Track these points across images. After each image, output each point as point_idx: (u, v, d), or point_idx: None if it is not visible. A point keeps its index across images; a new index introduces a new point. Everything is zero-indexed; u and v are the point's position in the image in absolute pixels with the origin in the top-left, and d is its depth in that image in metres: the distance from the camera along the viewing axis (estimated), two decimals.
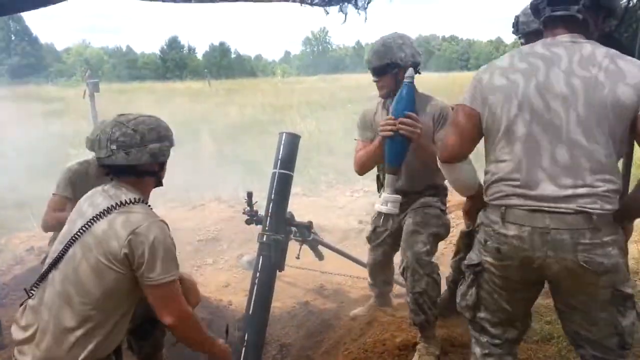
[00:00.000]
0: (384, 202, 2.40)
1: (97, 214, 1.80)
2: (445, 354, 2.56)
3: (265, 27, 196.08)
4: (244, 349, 2.75)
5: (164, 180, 2.07)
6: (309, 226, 3.40)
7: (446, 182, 2.91)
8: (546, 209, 1.58)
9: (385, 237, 2.93)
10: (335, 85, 23.55)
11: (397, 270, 2.82)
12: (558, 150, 1.57)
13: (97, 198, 1.90)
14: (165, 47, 71.21)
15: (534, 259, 1.61)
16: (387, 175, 2.43)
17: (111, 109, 8.04)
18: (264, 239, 2.95)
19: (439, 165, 1.92)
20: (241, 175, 7.19)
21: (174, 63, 67.97)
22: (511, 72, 1.64)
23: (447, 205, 4.92)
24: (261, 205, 3.37)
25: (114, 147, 1.83)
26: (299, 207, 5.02)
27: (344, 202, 6.12)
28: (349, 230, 5.01)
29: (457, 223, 4.33)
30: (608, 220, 1.56)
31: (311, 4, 2.73)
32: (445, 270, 3.16)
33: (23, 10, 2.84)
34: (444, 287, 3.15)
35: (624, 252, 1.64)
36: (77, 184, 2.78)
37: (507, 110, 1.62)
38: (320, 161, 8.25)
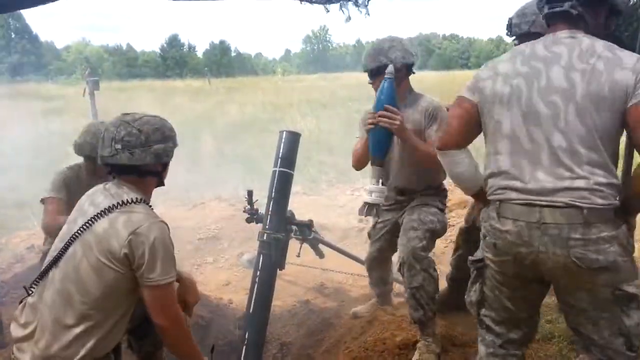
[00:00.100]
0: (369, 192, 2.48)
1: (98, 213, 1.80)
2: (447, 352, 2.56)
3: (266, 25, 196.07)
4: (244, 347, 2.76)
5: (164, 180, 2.07)
6: (309, 225, 3.40)
7: (446, 183, 2.94)
8: (538, 202, 1.58)
9: (383, 233, 2.94)
10: (336, 84, 23.50)
11: (396, 269, 2.82)
12: (553, 143, 1.57)
13: (98, 197, 1.89)
14: (165, 45, 71.18)
15: (528, 255, 1.61)
16: (372, 167, 2.50)
17: (111, 107, 8.06)
18: (265, 238, 2.95)
19: (439, 157, 1.93)
20: (241, 173, 7.19)
21: (174, 61, 67.92)
22: (513, 77, 1.66)
23: (448, 205, 4.95)
24: (262, 203, 3.37)
25: (118, 146, 1.83)
26: (300, 206, 5.01)
27: (344, 201, 6.11)
28: (349, 228, 5.01)
29: (458, 222, 4.33)
30: (602, 215, 1.54)
31: (311, 2, 2.73)
32: (446, 270, 3.18)
33: (23, 8, 2.83)
34: (443, 284, 3.18)
35: (628, 250, 1.60)
36: (70, 186, 2.78)
37: (509, 115, 1.65)
38: (320, 160, 8.25)
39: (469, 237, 2.93)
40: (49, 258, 1.87)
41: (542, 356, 2.49)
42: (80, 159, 2.95)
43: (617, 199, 1.57)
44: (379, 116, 2.40)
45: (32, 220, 5.20)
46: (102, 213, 1.79)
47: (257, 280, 2.89)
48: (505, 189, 1.66)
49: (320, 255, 3.80)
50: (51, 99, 19.67)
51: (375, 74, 2.66)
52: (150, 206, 1.92)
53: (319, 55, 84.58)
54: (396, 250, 2.77)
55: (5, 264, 4.20)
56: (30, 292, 1.86)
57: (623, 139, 1.78)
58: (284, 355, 3.20)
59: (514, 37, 2.45)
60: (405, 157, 2.68)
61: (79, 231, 1.80)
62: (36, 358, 1.72)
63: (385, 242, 2.95)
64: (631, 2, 2.78)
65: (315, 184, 7.09)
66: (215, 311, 3.26)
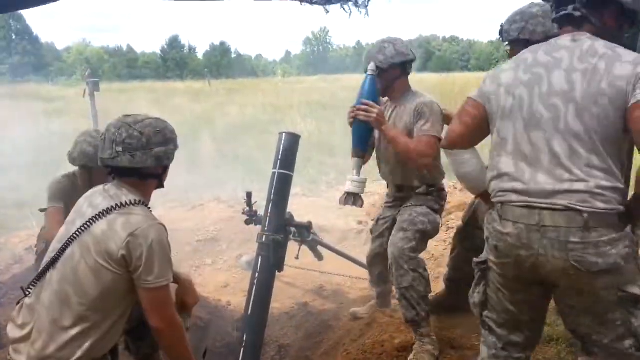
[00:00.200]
0: (349, 182, 2.61)
1: (96, 214, 1.80)
2: (445, 355, 2.56)
3: (266, 27, 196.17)
4: (242, 349, 2.75)
5: (164, 182, 2.06)
6: (308, 227, 3.40)
7: (444, 183, 2.94)
8: (537, 205, 1.57)
9: (384, 229, 2.97)
10: (336, 86, 23.51)
11: None
12: (554, 146, 1.57)
13: (96, 198, 1.89)
14: (165, 46, 71.27)
15: (527, 257, 1.61)
16: (352, 159, 2.63)
17: (111, 108, 8.06)
18: (263, 240, 2.94)
19: (447, 157, 1.94)
20: (241, 175, 7.19)
21: (174, 62, 67.99)
22: (516, 87, 1.67)
23: (447, 207, 4.95)
24: (261, 205, 3.37)
25: (119, 149, 1.82)
26: (299, 208, 5.02)
27: None
28: (348, 231, 5.01)
29: (458, 224, 4.32)
30: (604, 219, 1.52)
31: (311, 2, 2.73)
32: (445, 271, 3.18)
33: (24, 8, 2.83)
34: (441, 285, 3.18)
35: (632, 251, 1.56)
36: (67, 195, 2.79)
37: (512, 123, 1.67)
38: (320, 161, 8.25)
39: (465, 236, 2.95)
40: (46, 259, 1.87)
41: (540, 359, 2.48)
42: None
43: (622, 203, 1.55)
44: (357, 110, 2.53)
45: (32, 220, 5.20)
46: (101, 214, 1.79)
47: (255, 282, 2.89)
48: (506, 191, 1.66)
49: (319, 257, 3.80)
50: (51, 100, 19.69)
51: None
52: (149, 208, 1.92)
53: (319, 57, 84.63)
54: None
55: (4, 265, 4.20)
56: (28, 293, 1.86)
57: None
58: (282, 358, 3.19)
59: (506, 43, 2.48)
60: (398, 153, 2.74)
61: (77, 232, 1.79)
62: (32, 359, 1.72)
63: (386, 238, 2.96)
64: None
65: (315, 185, 7.09)
66: (214, 313, 3.25)
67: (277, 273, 2.98)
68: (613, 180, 1.54)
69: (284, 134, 3.13)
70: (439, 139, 2.53)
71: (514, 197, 1.63)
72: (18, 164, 7.21)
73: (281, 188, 3.05)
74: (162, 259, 1.78)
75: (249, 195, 3.47)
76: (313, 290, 3.80)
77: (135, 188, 1.91)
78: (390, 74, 2.75)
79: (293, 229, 3.29)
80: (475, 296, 1.87)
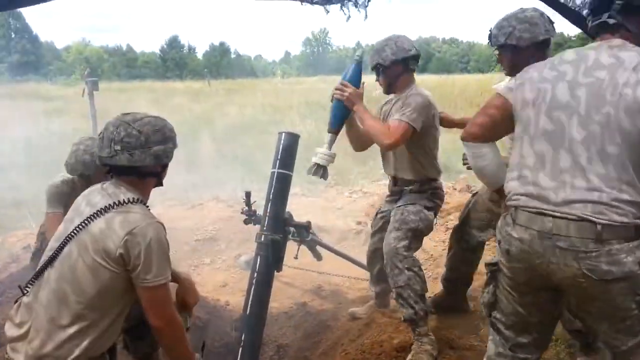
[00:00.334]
0: (320, 154, 2.76)
1: (94, 213, 1.79)
2: (444, 356, 2.55)
3: (266, 28, 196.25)
4: (240, 349, 2.74)
5: (163, 180, 2.06)
6: (307, 226, 3.39)
7: (441, 182, 2.94)
8: (550, 212, 1.55)
9: (382, 223, 3.00)
10: (332, 86, 23.45)
11: None
12: (574, 153, 1.54)
13: (95, 196, 1.89)
14: (165, 46, 71.26)
15: (539, 264, 1.58)
16: (327, 134, 2.81)
17: (111, 107, 8.06)
18: (262, 239, 2.94)
19: (465, 149, 1.93)
20: (240, 175, 7.18)
21: (173, 62, 67.98)
22: (541, 82, 1.66)
23: (446, 208, 4.95)
24: (260, 205, 3.36)
25: (117, 147, 1.82)
26: (298, 207, 5.01)
27: (342, 203, 6.10)
28: (347, 231, 5.00)
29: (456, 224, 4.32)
30: (618, 232, 1.47)
31: (311, 2, 2.73)
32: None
33: (23, 6, 2.83)
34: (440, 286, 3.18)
35: None
36: (67, 200, 2.78)
37: (535, 122, 1.64)
38: None
39: (461, 236, 2.95)
40: (44, 258, 1.86)
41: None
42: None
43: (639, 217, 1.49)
44: (335, 89, 2.74)
45: (30, 220, 5.19)
46: (99, 213, 1.79)
47: (254, 281, 2.88)
48: (522, 195, 1.64)
49: (318, 257, 3.79)
50: (51, 99, 19.67)
51: (376, 73, 2.86)
52: (147, 206, 1.92)
53: (318, 58, 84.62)
54: None
55: (1, 264, 4.19)
56: (26, 292, 1.85)
57: None
58: (280, 358, 3.19)
59: (494, 48, 2.50)
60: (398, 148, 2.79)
61: (75, 231, 1.79)
62: (29, 358, 1.71)
63: (385, 232, 2.97)
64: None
65: (314, 185, 7.08)
66: (212, 312, 3.25)
67: (275, 273, 2.97)
68: (632, 193, 1.49)
69: (283, 134, 3.12)
70: (412, 128, 2.61)
71: (528, 202, 1.61)
72: (17, 163, 7.21)
73: (280, 188, 3.04)
74: (161, 258, 1.78)
75: (248, 194, 3.46)
76: (312, 290, 3.79)
77: (133, 186, 1.90)
78: (393, 70, 2.80)
79: (292, 229, 3.27)
80: (484, 296, 1.86)
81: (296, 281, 3.89)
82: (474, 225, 2.90)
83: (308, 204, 6.01)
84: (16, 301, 1.89)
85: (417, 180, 2.86)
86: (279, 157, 3.06)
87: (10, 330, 1.81)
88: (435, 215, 2.94)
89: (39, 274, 1.84)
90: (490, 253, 4.07)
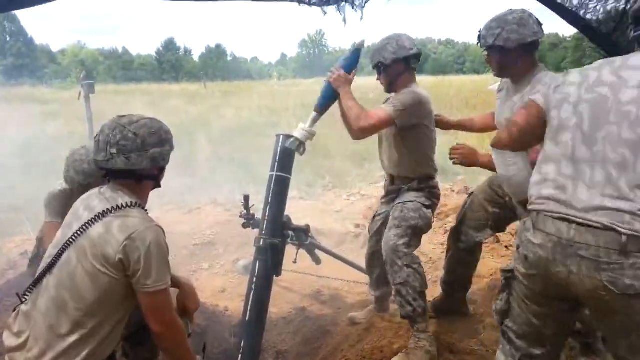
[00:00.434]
0: (300, 129, 2.87)
1: (93, 217, 1.78)
2: None
3: (262, 30, 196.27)
4: (240, 355, 2.72)
5: (161, 182, 2.04)
6: (306, 230, 3.37)
7: (437, 182, 2.94)
8: (573, 219, 1.49)
9: (379, 226, 3.00)
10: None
11: None
12: (606, 160, 1.48)
13: (93, 201, 1.87)
14: (161, 48, 71.20)
15: (558, 273, 1.52)
16: (312, 113, 2.91)
17: (107, 110, 8.02)
18: (261, 243, 2.92)
19: (494, 156, 1.90)
20: (237, 177, 7.16)
21: (170, 65, 67.93)
22: (579, 102, 1.60)
23: (444, 210, 4.95)
24: (257, 208, 3.34)
25: (113, 150, 1.80)
26: (296, 211, 5.00)
27: (340, 206, 6.09)
28: (345, 234, 4.99)
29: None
30: None
31: (309, 3, 2.72)
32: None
33: (22, 7, 2.80)
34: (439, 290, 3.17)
35: None
36: (66, 209, 2.75)
37: (568, 135, 1.59)
38: (316, 164, 8.23)
39: (458, 237, 2.95)
40: (43, 264, 1.84)
41: None
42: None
43: None
44: (328, 72, 2.84)
45: (27, 225, 5.15)
46: (97, 217, 1.77)
47: (253, 287, 2.86)
48: (545, 199, 1.58)
49: (317, 261, 3.77)
50: (46, 102, 19.60)
51: (378, 72, 2.89)
52: (146, 210, 1.90)
53: (315, 60, 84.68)
54: None
55: None
56: (24, 300, 1.83)
57: None
58: None
59: (483, 48, 2.51)
60: (393, 143, 2.85)
61: (74, 236, 1.77)
62: None
63: (382, 235, 2.96)
64: (629, 7, 2.78)
65: (311, 188, 7.07)
66: (211, 318, 3.22)
67: (274, 277, 2.96)
68: None
69: (281, 136, 3.09)
70: (392, 120, 2.66)
71: (552, 206, 1.55)
72: (13, 167, 7.16)
73: (279, 191, 3.02)
74: (160, 262, 1.76)
75: (246, 198, 3.44)
76: (311, 294, 3.77)
77: (131, 190, 1.89)
78: (394, 69, 2.81)
79: (291, 233, 3.26)
80: (497, 304, 1.81)
81: (295, 286, 3.87)
82: (471, 225, 2.90)
83: (306, 207, 6.00)
84: (14, 309, 1.87)
85: (415, 178, 2.87)
86: (277, 160, 3.04)
87: (9, 340, 1.79)
88: (433, 213, 2.94)
89: (37, 282, 1.82)
90: (489, 256, 4.07)
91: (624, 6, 2.85)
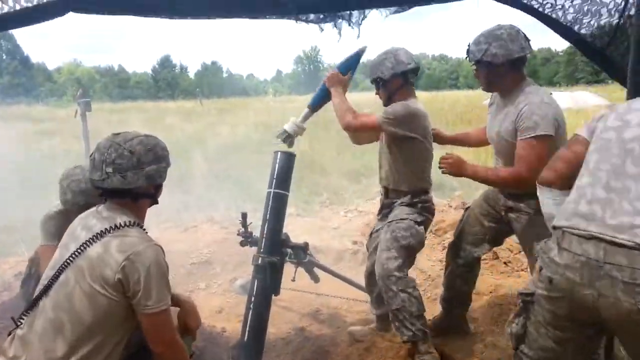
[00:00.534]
0: (292, 123, 3.08)
1: (91, 237, 1.75)
2: None
3: (257, 47, 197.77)
4: None
5: (158, 199, 2.03)
6: (304, 248, 3.35)
7: (432, 196, 2.93)
8: (603, 237, 1.40)
9: (377, 243, 2.97)
10: (327, 104, 23.62)
11: None
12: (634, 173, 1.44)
13: (90, 220, 1.85)
14: (157, 66, 71.66)
15: (585, 296, 1.43)
16: (305, 109, 3.11)
17: (103, 128, 8.02)
18: (259, 262, 2.89)
19: (539, 193, 1.84)
20: (234, 195, 7.13)
21: (165, 82, 68.31)
22: (618, 126, 1.60)
23: (443, 225, 4.93)
24: (255, 226, 3.32)
25: (109, 169, 1.79)
26: (293, 228, 4.96)
27: (338, 223, 6.06)
28: (343, 251, 4.95)
29: None
30: None
31: (306, 20, 2.75)
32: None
33: (16, 27, 2.81)
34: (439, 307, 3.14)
35: None
36: (62, 232, 2.72)
37: (605, 155, 1.56)
38: (313, 181, 8.21)
39: (456, 252, 2.94)
40: (39, 287, 1.81)
41: None
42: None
43: None
44: (325, 73, 3.01)
45: (22, 246, 5.09)
46: (95, 237, 1.75)
47: (251, 306, 2.82)
48: (573, 215, 1.50)
49: (316, 279, 3.74)
50: (42, 120, 19.59)
51: (376, 87, 2.94)
52: (144, 229, 1.88)
53: (310, 76, 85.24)
54: None
55: None
56: (19, 324, 1.80)
57: None
58: None
59: (472, 63, 2.56)
60: (388, 153, 2.90)
61: (72, 257, 1.75)
62: None
63: None
64: (620, 22, 2.81)
65: (309, 205, 7.05)
66: (209, 339, 3.17)
67: (273, 296, 2.92)
68: None
69: (279, 153, 3.09)
70: (379, 125, 2.75)
71: (580, 223, 1.47)
72: (8, 187, 7.10)
73: (277, 208, 3.01)
74: (160, 282, 1.74)
75: (244, 216, 3.41)
76: (310, 313, 3.72)
77: (128, 208, 1.87)
78: (392, 84, 2.84)
79: (289, 251, 3.23)
80: (513, 327, 1.72)
81: (294, 304, 3.83)
82: (469, 240, 2.90)
83: (303, 224, 5.96)
84: (9, 334, 1.83)
85: (409, 191, 2.86)
86: (275, 177, 3.03)
87: None
88: (426, 229, 2.93)
89: (33, 305, 1.79)
90: (488, 273, 4.05)
91: (617, 21, 2.88)
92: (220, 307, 3.91)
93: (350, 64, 2.97)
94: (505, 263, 4.22)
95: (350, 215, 6.38)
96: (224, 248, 4.95)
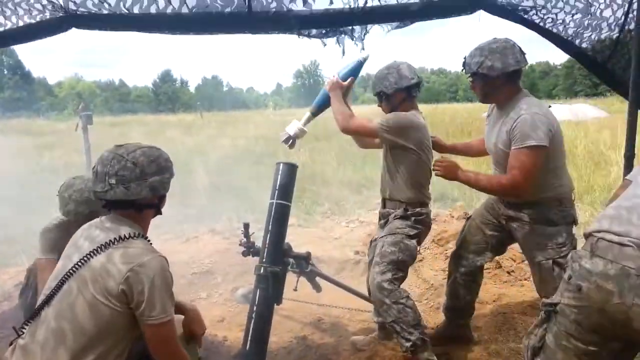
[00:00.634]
0: (294, 125, 3.16)
1: (95, 248, 1.75)
2: None
3: (257, 60, 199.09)
4: None
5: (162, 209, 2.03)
6: (306, 257, 3.34)
7: (430, 210, 2.93)
8: None
9: (374, 255, 2.95)
10: (327, 116, 23.67)
11: None
12: None
13: (93, 231, 1.85)
14: (158, 80, 72.05)
15: (617, 306, 1.35)
16: (306, 113, 3.20)
17: (104, 141, 8.02)
18: (262, 271, 2.88)
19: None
20: (234, 206, 7.13)
21: (166, 96, 68.66)
22: None
23: (445, 235, 4.92)
24: (256, 236, 3.31)
25: (112, 181, 1.79)
26: (295, 238, 4.95)
27: (339, 233, 6.05)
28: (345, 261, 4.94)
29: None
30: None
31: (308, 36, 2.78)
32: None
33: (16, 43, 2.83)
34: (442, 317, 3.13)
35: None
36: (62, 245, 2.71)
37: None
38: (314, 192, 8.22)
39: (458, 261, 2.94)
40: (42, 297, 1.81)
41: None
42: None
43: None
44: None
45: (22, 257, 5.08)
46: (99, 249, 1.75)
47: (253, 315, 2.81)
48: (607, 219, 1.44)
49: (318, 288, 3.72)
50: (43, 134, 19.64)
51: (379, 100, 2.97)
52: (149, 240, 1.88)
53: (309, 89, 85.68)
54: None
55: None
56: (21, 334, 1.79)
57: None
58: None
59: (468, 75, 2.59)
60: (386, 162, 2.94)
61: (75, 267, 1.74)
62: None
63: None
64: (621, 36, 2.84)
65: (310, 215, 7.04)
66: (210, 349, 3.15)
67: (275, 306, 2.91)
68: None
69: (281, 164, 3.11)
70: (375, 132, 2.79)
71: (615, 227, 1.40)
72: (9, 198, 7.11)
73: (279, 219, 3.01)
74: (164, 294, 1.74)
75: (246, 226, 3.41)
76: (312, 323, 3.71)
77: (132, 219, 1.87)
78: (396, 97, 2.87)
79: (291, 260, 3.23)
80: (531, 338, 1.65)
81: (296, 314, 3.81)
82: (471, 249, 2.90)
83: (304, 235, 5.96)
84: (11, 343, 1.82)
85: (405, 202, 2.86)
86: (277, 188, 3.04)
87: None
88: (420, 242, 2.94)
89: (35, 314, 1.78)
90: (491, 282, 4.04)
91: (617, 35, 2.92)
92: (222, 316, 3.89)
93: (351, 71, 3.04)
94: (508, 272, 4.21)
95: (352, 225, 6.38)
96: (225, 258, 4.94)
